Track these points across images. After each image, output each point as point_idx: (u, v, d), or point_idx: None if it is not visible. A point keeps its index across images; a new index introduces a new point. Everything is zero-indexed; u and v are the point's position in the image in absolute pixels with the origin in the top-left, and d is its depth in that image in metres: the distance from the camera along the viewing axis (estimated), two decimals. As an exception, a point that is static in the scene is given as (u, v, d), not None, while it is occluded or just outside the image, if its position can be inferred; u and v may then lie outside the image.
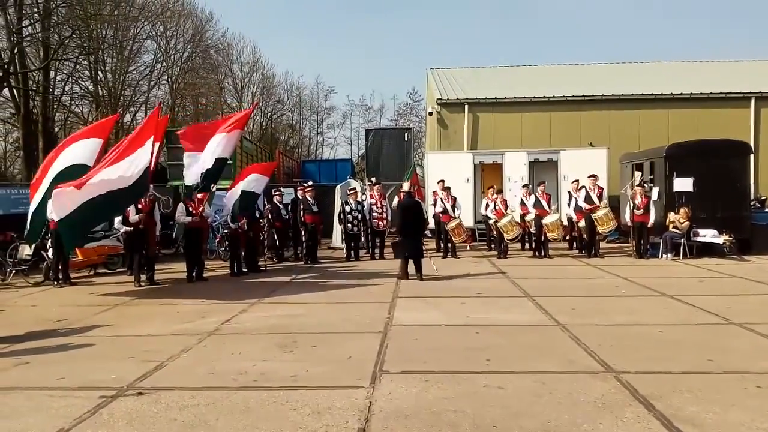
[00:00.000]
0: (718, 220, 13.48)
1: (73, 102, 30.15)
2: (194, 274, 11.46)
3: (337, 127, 54.40)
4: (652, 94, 21.19)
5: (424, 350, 6.05)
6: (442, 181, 15.37)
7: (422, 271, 11.10)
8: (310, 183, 15.58)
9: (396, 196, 14.14)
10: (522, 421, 4.16)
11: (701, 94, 21.01)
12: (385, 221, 14.89)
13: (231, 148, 11.77)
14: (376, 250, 14.91)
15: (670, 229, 13.79)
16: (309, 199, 14.16)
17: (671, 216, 13.89)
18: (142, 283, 10.90)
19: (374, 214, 14.68)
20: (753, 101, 20.66)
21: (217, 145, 11.45)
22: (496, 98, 21.62)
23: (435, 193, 15.61)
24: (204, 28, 37.84)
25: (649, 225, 13.70)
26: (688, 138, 15.85)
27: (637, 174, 15.71)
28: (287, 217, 14.21)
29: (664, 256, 13.60)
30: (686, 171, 14.29)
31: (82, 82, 29.84)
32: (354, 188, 15.23)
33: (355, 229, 14.50)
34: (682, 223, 13.60)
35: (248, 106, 42.41)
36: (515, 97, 21.56)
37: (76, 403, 4.67)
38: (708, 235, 13.59)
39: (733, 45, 69.57)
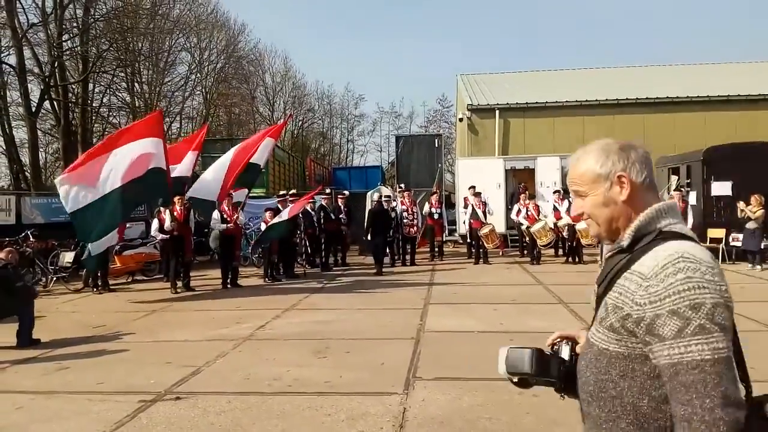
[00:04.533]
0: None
1: (110, 113, 30.93)
2: (229, 280, 11.63)
3: (368, 135, 54.70)
4: (688, 97, 20.74)
5: (458, 357, 6.02)
6: (473, 186, 15.31)
7: (381, 268, 13.28)
8: (327, 190, 15.74)
9: (371, 203, 14.31)
10: (558, 429, 4.12)
11: (739, 96, 20.48)
12: (416, 228, 14.90)
13: (265, 156, 12.10)
14: (407, 257, 14.91)
15: (755, 224, 12.47)
16: (326, 206, 14.33)
17: (741, 205, 12.76)
18: (179, 290, 11.09)
19: (405, 220, 14.67)
20: (793, 103, 20.07)
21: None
22: (527, 103, 21.43)
23: (466, 199, 15.54)
24: (236, 40, 38.52)
25: (686, 230, 13.35)
26: (726, 141, 15.45)
27: (674, 178, 15.42)
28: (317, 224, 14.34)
29: (757, 266, 12.44)
30: (724, 175, 13.94)
31: (120, 94, 30.65)
32: (387, 195, 15.28)
33: (392, 234, 14.48)
34: (755, 213, 12.50)
35: (280, 115, 43.03)
36: (547, 102, 21.34)
37: (115, 407, 4.77)
38: (748, 240, 13.17)
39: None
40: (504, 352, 1.75)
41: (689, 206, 13.52)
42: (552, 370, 1.71)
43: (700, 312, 1.37)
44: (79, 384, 5.49)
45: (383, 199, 14.98)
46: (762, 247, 12.61)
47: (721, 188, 13.92)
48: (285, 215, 12.30)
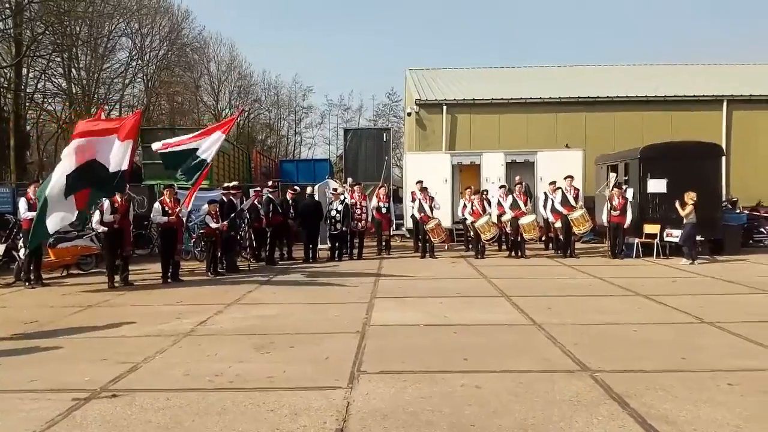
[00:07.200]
0: (691, 220, 13.68)
1: (45, 100, 29.63)
2: (170, 274, 11.34)
3: (316, 127, 54.41)
4: (626, 97, 21.49)
5: (402, 350, 6.05)
6: (421, 181, 15.43)
7: (317, 257, 14.35)
8: (270, 183, 15.64)
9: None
10: (499, 419, 4.19)
11: (675, 96, 21.36)
12: (364, 222, 14.89)
13: (213, 150, 11.75)
14: (355, 251, 14.90)
15: (686, 220, 12.95)
16: (274, 200, 14.23)
17: (678, 206, 13.07)
18: (117, 284, 10.73)
19: (354, 214, 14.63)
20: (725, 104, 21.08)
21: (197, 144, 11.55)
22: (474, 99, 21.74)
23: (413, 193, 15.65)
24: (180, 26, 37.52)
25: (625, 226, 13.88)
26: (662, 140, 16.08)
27: (612, 175, 15.93)
28: (263, 217, 14.13)
29: (688, 260, 12.91)
30: (660, 172, 14.49)
31: (55, 80, 29.39)
32: (335, 189, 15.22)
33: (340, 227, 14.37)
34: (684, 210, 12.92)
35: (225, 105, 42.20)
36: (493, 99, 21.70)
37: (48, 406, 4.58)
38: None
39: (706, 48, 70.94)
40: None
41: (628, 202, 14.01)
42: None
43: None
44: (9, 382, 5.23)
45: (331, 191, 14.98)
46: (694, 242, 13.17)
47: (657, 185, 14.46)
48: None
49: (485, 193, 15.67)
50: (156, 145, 11.68)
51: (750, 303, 8.57)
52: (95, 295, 10.01)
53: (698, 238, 13.23)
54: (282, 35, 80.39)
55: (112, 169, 10.46)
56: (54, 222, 9.92)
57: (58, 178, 9.89)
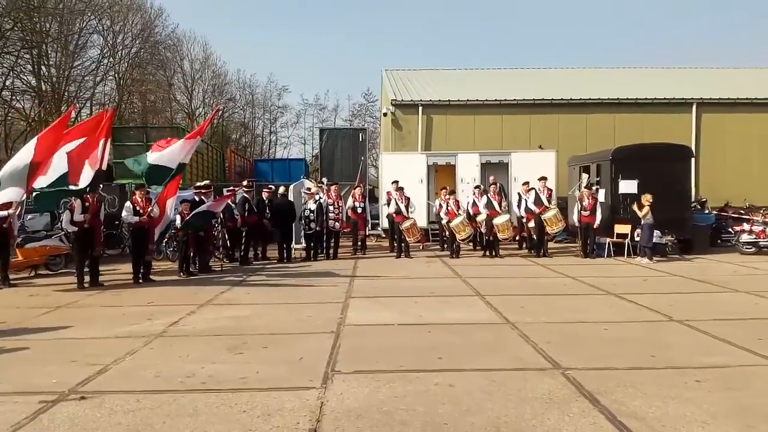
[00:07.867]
0: (661, 220, 13.83)
1: (14, 97, 28.96)
2: (141, 274, 11.17)
3: (291, 127, 54.03)
4: (599, 99, 21.75)
5: (377, 350, 6.05)
6: (396, 181, 15.46)
7: (291, 257, 14.37)
8: (245, 182, 15.59)
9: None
10: (472, 417, 4.21)
11: (646, 99, 21.70)
12: (341, 222, 14.87)
13: (188, 153, 11.68)
14: (330, 251, 14.86)
15: (644, 221, 13.32)
16: (251, 199, 14.17)
17: (635, 208, 13.55)
18: (86, 285, 10.54)
19: (330, 214, 14.59)
20: (694, 107, 21.46)
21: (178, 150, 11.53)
22: (449, 100, 21.84)
23: (389, 193, 15.67)
24: (153, 24, 37.03)
25: (594, 226, 14.07)
26: (633, 141, 16.33)
27: (585, 176, 16.14)
28: (237, 217, 13.99)
29: (644, 259, 13.37)
30: (631, 173, 14.73)
31: (24, 77, 28.76)
32: (309, 188, 15.16)
33: (314, 226, 14.28)
34: (641, 212, 13.34)
35: (198, 104, 41.75)
36: (468, 100, 21.82)
37: (14, 409, 4.48)
38: (651, 236, 14.01)
39: (677, 52, 72.24)
40: None
41: (598, 203, 14.21)
42: None
43: None
44: (-28, 386, 5.11)
45: (305, 191, 14.92)
46: (654, 242, 13.45)
47: (628, 186, 14.69)
48: (205, 207, 12.04)
49: (483, 188, 15.63)
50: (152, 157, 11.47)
51: (718, 301, 8.77)
52: (64, 295, 9.82)
53: (655, 239, 13.49)
54: (257, 34, 79.82)
55: (81, 184, 10.32)
56: (3, 196, 9.71)
57: (16, 164, 9.66)
